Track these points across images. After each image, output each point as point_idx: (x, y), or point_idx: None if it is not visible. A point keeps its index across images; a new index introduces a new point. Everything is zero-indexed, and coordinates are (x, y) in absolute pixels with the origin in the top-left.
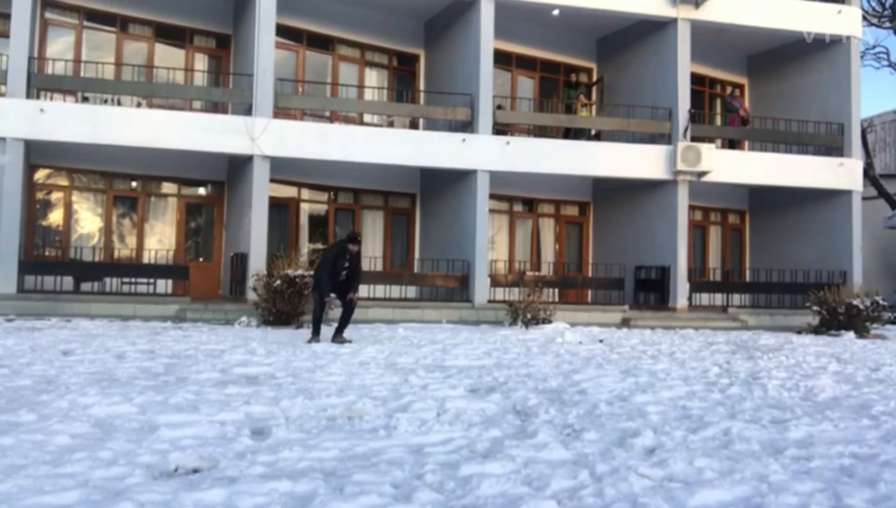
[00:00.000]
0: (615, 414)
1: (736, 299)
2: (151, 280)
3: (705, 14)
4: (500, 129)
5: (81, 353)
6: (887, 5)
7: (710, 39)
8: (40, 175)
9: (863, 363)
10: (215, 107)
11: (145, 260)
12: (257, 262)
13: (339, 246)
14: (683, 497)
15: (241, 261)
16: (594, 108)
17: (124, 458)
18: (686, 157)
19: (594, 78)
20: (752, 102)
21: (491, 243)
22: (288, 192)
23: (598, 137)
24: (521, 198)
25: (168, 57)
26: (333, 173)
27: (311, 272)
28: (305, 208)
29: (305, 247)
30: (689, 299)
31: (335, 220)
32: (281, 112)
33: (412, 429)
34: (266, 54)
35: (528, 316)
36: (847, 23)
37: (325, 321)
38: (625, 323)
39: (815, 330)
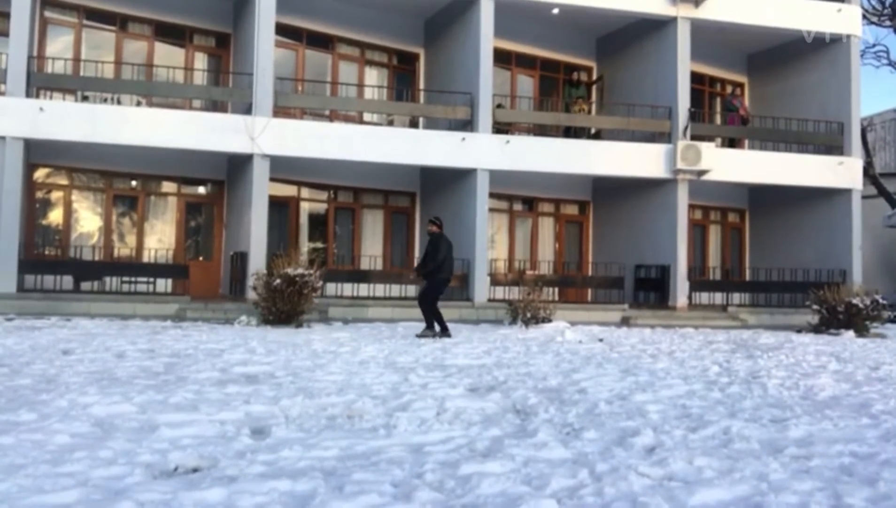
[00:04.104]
0: (615, 413)
1: (736, 297)
2: (151, 279)
3: (705, 13)
4: (499, 128)
5: (81, 352)
6: (887, 4)
7: (710, 38)
8: (40, 174)
9: (862, 362)
10: (215, 106)
11: (145, 259)
12: (257, 261)
13: None
14: (683, 496)
15: (240, 260)
16: (593, 107)
17: (124, 457)
18: (686, 156)
19: (594, 77)
20: (751, 100)
21: (491, 242)
22: (288, 191)
23: (598, 135)
24: (521, 197)
25: (168, 56)
26: (333, 172)
27: (311, 271)
28: (305, 207)
29: (305, 246)
30: (689, 297)
31: (335, 219)
32: (281, 111)
33: (412, 428)
34: (266, 53)
35: (528, 315)
36: (847, 21)
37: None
38: (624, 322)
39: (815, 329)
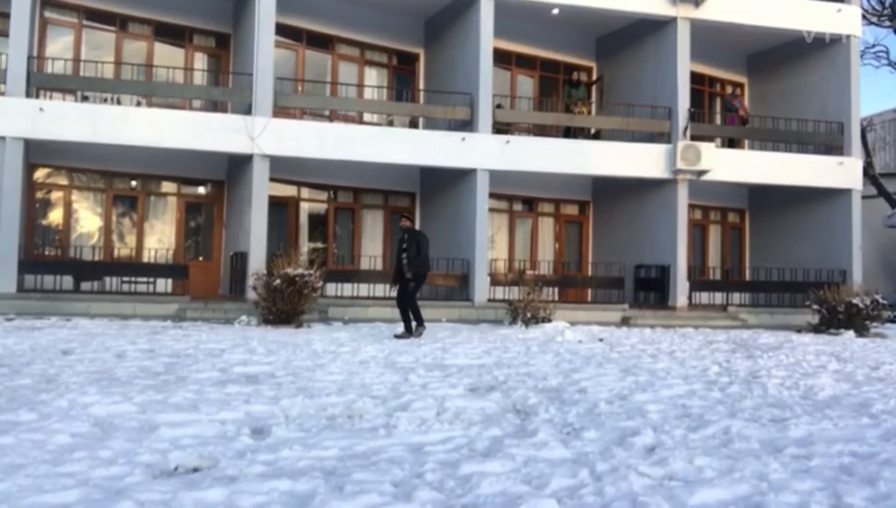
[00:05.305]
0: (615, 413)
1: (736, 297)
2: (151, 279)
3: (705, 13)
4: (499, 128)
5: (81, 352)
6: (887, 4)
7: (710, 38)
8: (40, 174)
9: (862, 362)
10: (215, 106)
11: (145, 259)
12: (257, 261)
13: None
14: (683, 495)
15: (240, 260)
16: (593, 107)
17: (124, 457)
18: (686, 156)
19: (594, 77)
20: (751, 101)
21: (491, 242)
22: (288, 191)
23: (597, 136)
24: (521, 197)
25: (168, 56)
26: (333, 173)
27: (311, 271)
28: (305, 207)
29: (305, 246)
30: (689, 297)
31: (335, 219)
32: (280, 111)
33: (412, 428)
34: (266, 53)
35: (528, 315)
36: (847, 22)
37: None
38: (625, 322)
39: (815, 329)
